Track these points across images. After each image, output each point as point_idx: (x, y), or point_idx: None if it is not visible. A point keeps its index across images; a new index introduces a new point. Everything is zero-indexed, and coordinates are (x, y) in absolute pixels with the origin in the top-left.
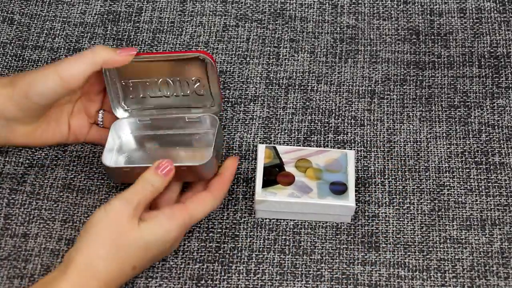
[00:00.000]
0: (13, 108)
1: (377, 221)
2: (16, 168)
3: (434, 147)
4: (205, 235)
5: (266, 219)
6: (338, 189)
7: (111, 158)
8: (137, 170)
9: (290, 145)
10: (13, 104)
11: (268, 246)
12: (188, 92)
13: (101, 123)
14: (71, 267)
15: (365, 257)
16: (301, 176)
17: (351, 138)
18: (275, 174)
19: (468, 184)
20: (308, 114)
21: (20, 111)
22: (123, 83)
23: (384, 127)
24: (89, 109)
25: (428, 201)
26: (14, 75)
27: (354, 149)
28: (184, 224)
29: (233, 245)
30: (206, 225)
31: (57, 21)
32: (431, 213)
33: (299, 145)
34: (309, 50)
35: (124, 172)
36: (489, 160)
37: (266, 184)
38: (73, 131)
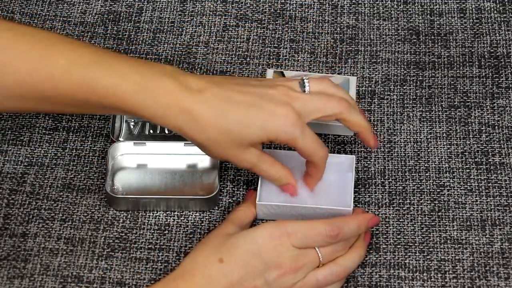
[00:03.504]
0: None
1: None
2: (16, 167)
3: (434, 147)
4: None
5: (266, 220)
6: None
7: (109, 184)
8: (143, 200)
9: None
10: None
11: None
12: None
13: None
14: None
15: (365, 258)
16: None
17: (352, 138)
18: None
19: (468, 184)
20: None
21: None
22: (127, 121)
23: (384, 127)
24: None
25: (428, 202)
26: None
27: (354, 151)
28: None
29: None
30: (207, 227)
31: (58, 20)
32: (431, 213)
33: None
34: (309, 51)
35: (128, 200)
36: (489, 160)
37: None
38: None
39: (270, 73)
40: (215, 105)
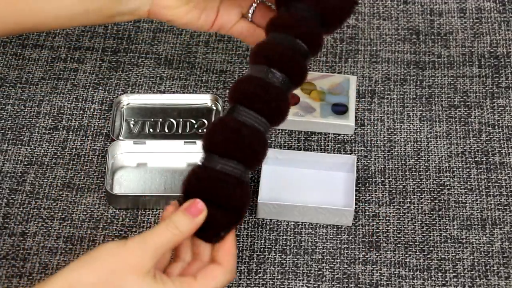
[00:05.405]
0: None
1: (378, 221)
2: (16, 166)
3: (434, 146)
4: None
5: (267, 219)
6: (340, 109)
7: (109, 183)
8: (142, 198)
9: (291, 149)
10: None
11: (269, 246)
12: (188, 131)
13: (250, 16)
14: (51, 281)
15: (366, 256)
16: (305, 97)
17: (352, 138)
18: None
19: (469, 183)
20: None
21: None
22: (126, 120)
23: (384, 127)
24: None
25: (429, 201)
26: None
27: (354, 149)
28: None
29: None
30: None
31: None
32: (432, 212)
33: (300, 145)
34: None
35: (127, 198)
36: (489, 160)
37: None
38: (219, 20)
39: None
40: None
